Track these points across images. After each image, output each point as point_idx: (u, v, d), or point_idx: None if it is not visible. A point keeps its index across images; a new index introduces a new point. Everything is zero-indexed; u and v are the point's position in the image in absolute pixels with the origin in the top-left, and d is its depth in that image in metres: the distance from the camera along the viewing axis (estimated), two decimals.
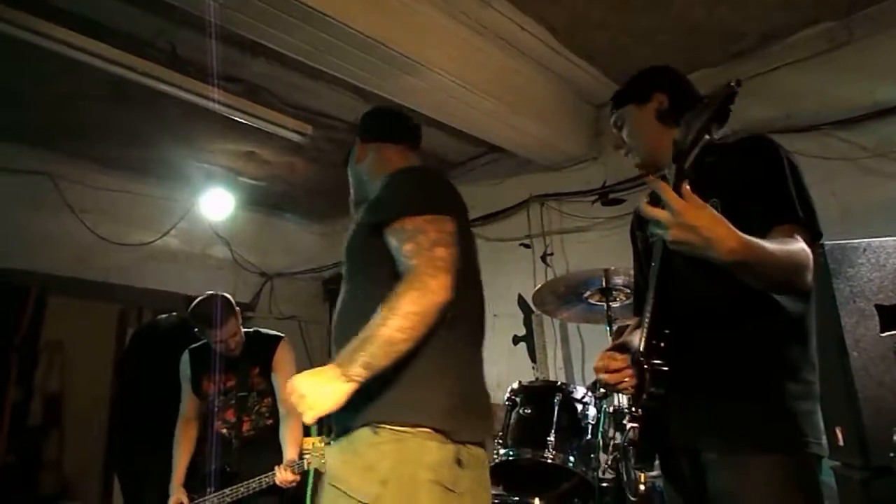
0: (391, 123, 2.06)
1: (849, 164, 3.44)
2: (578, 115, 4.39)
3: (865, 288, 2.49)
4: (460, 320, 1.63)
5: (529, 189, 4.82)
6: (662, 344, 1.54)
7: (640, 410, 1.65)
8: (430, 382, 1.52)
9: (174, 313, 4.27)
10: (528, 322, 4.64)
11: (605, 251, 4.21)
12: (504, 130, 4.09)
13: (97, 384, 5.37)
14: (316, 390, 1.41)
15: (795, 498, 1.43)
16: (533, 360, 4.56)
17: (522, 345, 4.67)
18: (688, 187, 1.28)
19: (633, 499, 2.70)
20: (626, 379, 1.67)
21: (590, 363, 4.27)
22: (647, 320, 1.56)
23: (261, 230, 5.87)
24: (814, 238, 1.48)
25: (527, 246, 4.77)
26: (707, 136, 1.34)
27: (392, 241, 1.59)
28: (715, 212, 1.27)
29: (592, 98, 4.35)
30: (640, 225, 1.93)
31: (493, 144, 4.61)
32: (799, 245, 1.40)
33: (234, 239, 5.57)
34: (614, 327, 2.60)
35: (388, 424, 1.45)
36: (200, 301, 3.07)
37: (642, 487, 2.51)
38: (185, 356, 3.25)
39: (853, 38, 3.57)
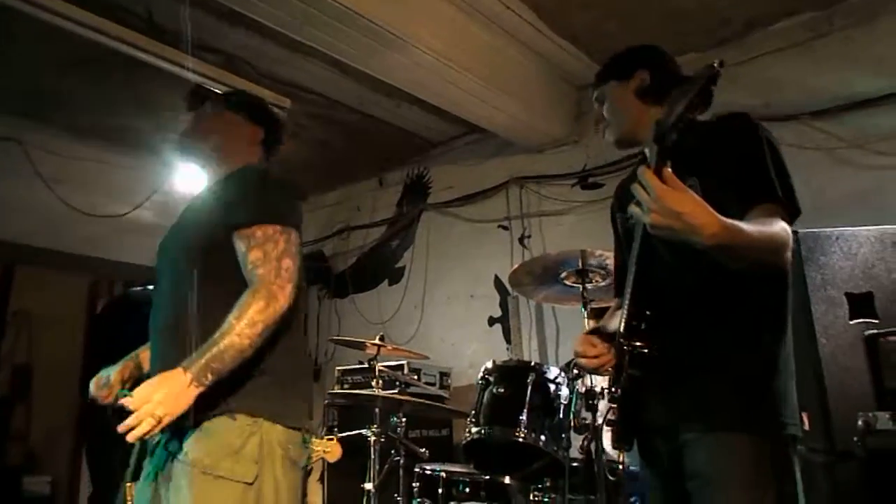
0: (257, 104, 2.06)
1: (824, 153, 3.49)
2: (560, 98, 4.38)
3: (836, 276, 2.54)
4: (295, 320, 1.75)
5: (509, 171, 4.81)
6: (642, 325, 1.55)
7: (618, 391, 1.67)
8: (274, 377, 1.64)
9: (148, 286, 4.20)
10: (504, 303, 4.65)
11: (584, 235, 4.21)
12: (486, 110, 4.06)
13: (66, 356, 5.29)
14: (171, 398, 1.48)
15: (772, 477, 1.45)
16: (508, 341, 4.58)
17: (498, 326, 4.69)
18: (669, 170, 1.28)
19: (611, 478, 2.76)
20: (605, 361, 1.68)
21: (564, 345, 4.31)
22: (626, 301, 1.56)
23: None
24: (793, 216, 1.49)
25: (505, 228, 4.77)
26: (689, 117, 1.34)
27: (240, 246, 1.66)
28: (696, 196, 1.27)
29: (575, 80, 4.34)
30: (620, 206, 1.93)
31: (472, 125, 4.58)
32: (779, 225, 1.41)
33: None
34: (588, 308, 2.61)
35: (243, 413, 1.56)
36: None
37: (621, 467, 2.57)
38: None
39: (833, 28, 3.60)
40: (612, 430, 1.77)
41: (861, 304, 2.54)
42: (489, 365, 2.73)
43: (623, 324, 1.58)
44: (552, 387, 2.57)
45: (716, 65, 1.26)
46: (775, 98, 3.68)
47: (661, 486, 1.70)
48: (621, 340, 1.58)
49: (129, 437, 1.47)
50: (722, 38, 3.81)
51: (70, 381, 5.26)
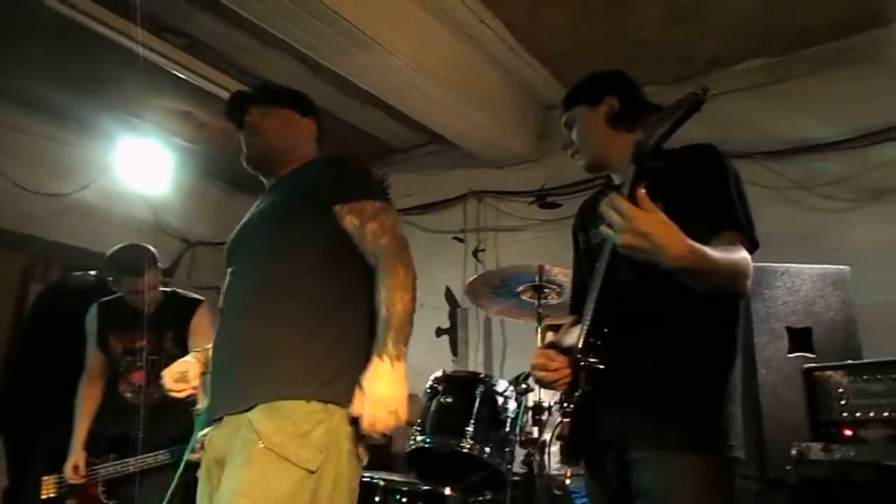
0: (300, 96, 2.03)
1: (775, 192, 3.62)
2: (525, 115, 4.43)
3: (779, 310, 2.63)
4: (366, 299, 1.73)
5: (468, 184, 4.84)
6: (599, 342, 1.57)
7: (571, 407, 1.68)
8: (350, 367, 1.59)
9: (90, 272, 4.03)
10: (453, 315, 4.65)
11: (538, 252, 4.25)
12: (452, 120, 4.08)
13: None
14: (392, 393, 1.52)
15: (715, 498, 1.48)
16: (454, 353, 4.58)
17: (445, 337, 4.68)
18: (643, 191, 1.30)
19: (557, 493, 2.77)
20: (563, 375, 1.69)
21: (511, 360, 4.34)
22: (588, 318, 1.57)
23: (187, 195, 5.61)
24: (752, 247, 1.53)
25: (460, 240, 4.79)
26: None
27: (351, 219, 1.66)
28: (666, 218, 1.30)
29: (540, 100, 4.40)
30: (582, 225, 1.95)
31: (435, 135, 4.59)
32: (741, 253, 1.46)
33: (158, 201, 5.32)
34: (543, 324, 2.63)
35: (317, 399, 1.52)
36: (122, 247, 2.95)
37: (567, 482, 2.59)
38: (93, 310, 3.07)
39: (790, 75, 3.76)
40: (562, 445, 1.79)
41: (800, 338, 2.63)
42: (439, 374, 2.72)
43: (582, 340, 1.60)
44: (500, 399, 2.57)
45: (700, 92, 1.29)
46: (730, 135, 3.79)
47: (606, 501, 1.71)
48: (578, 356, 1.60)
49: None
50: (684, 75, 3.93)
51: None
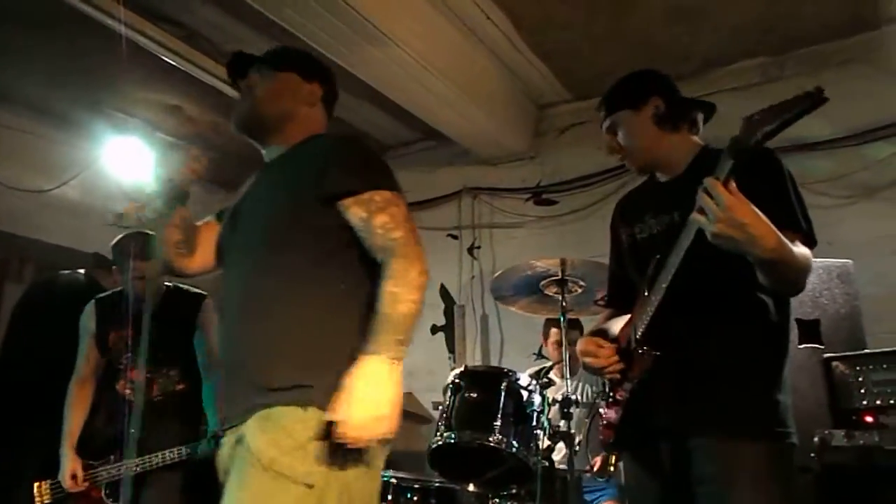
0: (306, 58, 1.80)
1: None
2: (523, 113, 4.45)
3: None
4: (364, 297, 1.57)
5: (462, 181, 4.84)
6: (661, 333, 1.58)
7: (623, 395, 1.69)
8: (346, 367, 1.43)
9: (78, 271, 3.87)
10: (448, 312, 4.64)
11: (534, 249, 4.29)
12: (452, 117, 4.07)
13: None
14: (382, 397, 1.34)
15: (780, 483, 1.51)
16: (451, 350, 4.57)
17: (441, 335, 4.67)
18: (734, 185, 1.32)
19: (600, 480, 2.78)
20: (613, 362, 1.70)
21: (509, 357, 4.35)
22: (651, 307, 1.58)
23: None
24: (812, 246, 1.57)
25: (455, 237, 4.78)
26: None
27: (357, 212, 1.48)
28: (758, 210, 1.32)
29: (538, 98, 4.43)
30: (624, 220, 1.94)
31: (429, 131, 4.58)
32: (807, 250, 1.49)
33: (142, 198, 5.15)
34: (567, 318, 2.63)
35: (315, 405, 1.36)
36: (128, 233, 2.85)
37: (612, 469, 2.60)
38: (90, 307, 2.94)
39: (783, 74, 3.87)
40: (608, 433, 1.80)
41: (809, 329, 2.71)
42: (460, 369, 2.70)
43: (642, 328, 1.61)
44: (525, 394, 2.56)
45: (817, 93, 1.27)
46: (725, 134, 3.88)
47: (657, 489, 1.72)
48: (636, 346, 1.61)
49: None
50: (682, 73, 3.99)
51: None
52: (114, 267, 2.90)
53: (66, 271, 3.88)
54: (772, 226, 1.32)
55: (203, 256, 1.79)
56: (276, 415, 1.35)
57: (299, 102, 1.68)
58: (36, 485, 2.81)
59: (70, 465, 2.71)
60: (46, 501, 2.79)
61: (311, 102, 1.70)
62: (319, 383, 1.37)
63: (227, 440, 1.46)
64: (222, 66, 3.83)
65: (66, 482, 2.68)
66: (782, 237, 1.35)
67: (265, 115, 1.65)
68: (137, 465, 2.68)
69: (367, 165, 1.56)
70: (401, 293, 1.41)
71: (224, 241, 1.70)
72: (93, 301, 2.97)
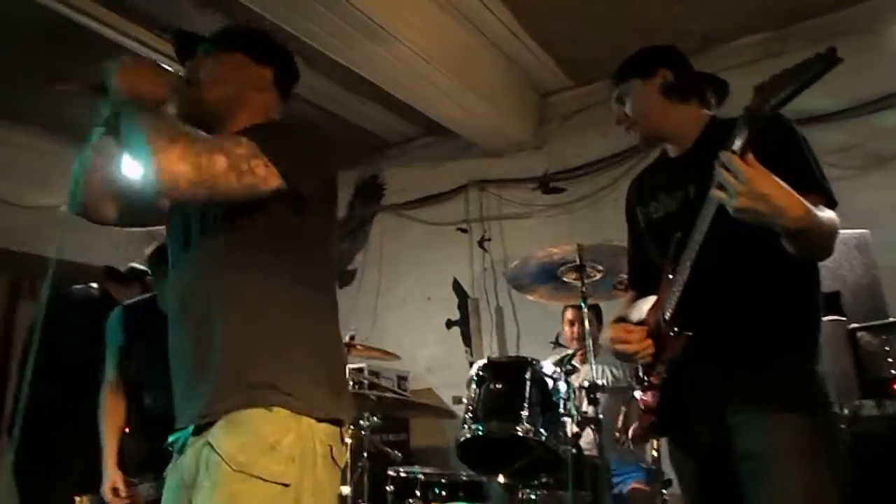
0: (257, 38, 1.63)
1: None
2: (525, 103, 4.44)
3: None
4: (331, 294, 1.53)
5: (467, 174, 4.82)
6: (690, 311, 1.56)
7: (658, 378, 1.68)
8: (316, 366, 1.42)
9: (92, 284, 3.86)
10: (462, 306, 4.64)
11: (544, 238, 4.26)
12: (454, 110, 4.06)
13: None
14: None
15: (826, 453, 1.49)
16: (467, 344, 4.56)
17: (456, 329, 4.66)
18: (752, 156, 1.30)
19: (644, 466, 2.77)
20: (646, 346, 1.68)
21: (526, 347, 4.34)
22: (677, 288, 1.57)
23: None
24: (833, 208, 1.55)
25: (464, 230, 4.77)
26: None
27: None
28: (780, 180, 1.30)
29: (540, 86, 4.42)
30: (640, 200, 1.93)
31: (430, 127, 4.57)
32: (831, 213, 1.47)
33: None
34: (587, 303, 2.62)
35: (280, 405, 1.33)
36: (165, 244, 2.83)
37: (654, 454, 2.59)
38: (117, 313, 2.89)
39: (786, 49, 3.84)
40: (647, 418, 1.79)
41: (830, 302, 2.69)
42: (483, 362, 2.70)
43: (671, 309, 1.59)
44: (550, 382, 2.56)
45: (828, 53, 1.27)
46: (730, 111, 3.85)
47: (698, 468, 1.71)
48: (666, 328, 1.59)
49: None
50: (683, 52, 3.98)
51: None
52: (148, 277, 2.84)
53: (80, 286, 3.88)
54: (795, 194, 1.30)
55: (121, 208, 1.68)
56: (242, 418, 1.31)
57: (246, 87, 1.53)
58: (77, 499, 2.79)
59: (111, 478, 2.67)
60: None
61: (260, 87, 1.55)
62: (284, 382, 1.34)
63: (190, 449, 1.38)
64: None
65: (108, 496, 2.65)
66: (808, 204, 1.32)
67: (206, 100, 1.50)
68: None
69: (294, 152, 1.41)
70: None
71: (174, 227, 1.56)
72: (120, 308, 2.93)
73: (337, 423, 1.40)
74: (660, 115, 1.76)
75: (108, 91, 1.41)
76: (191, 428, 1.38)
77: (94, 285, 3.89)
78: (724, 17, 3.75)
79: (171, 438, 1.43)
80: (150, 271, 2.88)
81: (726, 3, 3.64)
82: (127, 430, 2.87)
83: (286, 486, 1.28)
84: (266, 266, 1.41)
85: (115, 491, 2.65)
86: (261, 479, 1.27)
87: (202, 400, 1.35)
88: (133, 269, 3.65)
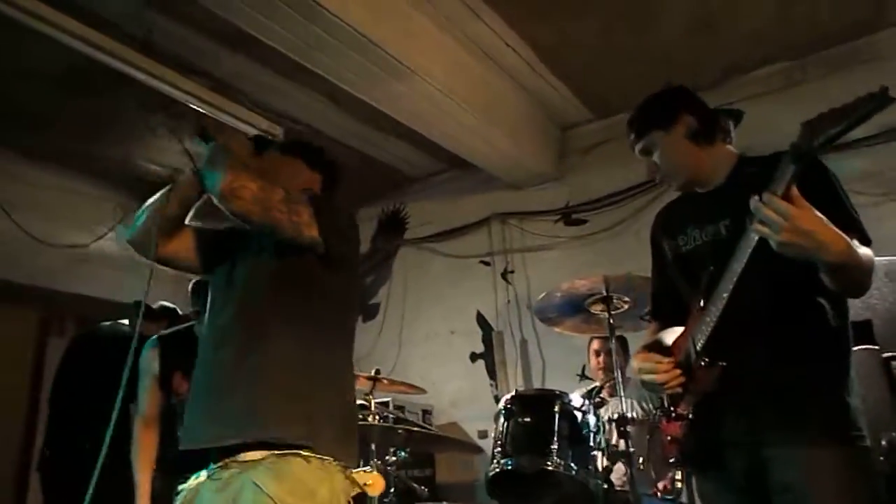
0: (312, 149, 2.03)
1: None
2: (546, 136, 4.48)
3: None
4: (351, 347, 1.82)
5: (489, 207, 4.86)
6: (722, 343, 1.56)
7: (688, 409, 1.67)
8: (340, 417, 1.65)
9: (121, 321, 3.91)
10: (487, 339, 4.63)
11: (567, 269, 4.26)
12: (477, 144, 4.11)
13: (10, 398, 4.87)
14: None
15: (863, 486, 1.49)
16: (492, 377, 4.54)
17: (480, 362, 4.65)
18: (796, 191, 1.31)
19: (667, 498, 2.72)
20: (675, 376, 1.67)
21: (551, 381, 4.31)
22: (710, 319, 1.56)
23: None
24: (868, 245, 1.54)
25: (487, 263, 4.78)
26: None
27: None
28: (822, 216, 1.31)
29: (561, 120, 4.47)
30: (667, 232, 1.93)
31: (452, 161, 4.63)
32: (868, 250, 1.48)
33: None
34: (615, 335, 2.62)
35: (315, 455, 1.53)
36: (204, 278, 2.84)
37: (680, 486, 2.55)
38: (152, 343, 2.90)
39: (807, 77, 3.86)
40: (674, 448, 1.77)
41: (862, 331, 2.65)
42: (511, 395, 2.69)
43: (703, 341, 1.59)
44: (579, 415, 2.54)
45: (881, 93, 1.25)
46: (754, 141, 3.82)
47: (728, 500, 1.69)
48: (698, 357, 1.59)
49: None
50: (703, 84, 4.00)
51: (13, 423, 4.83)
52: (191, 311, 2.86)
53: (108, 322, 3.93)
54: (837, 230, 1.32)
55: (177, 247, 1.82)
56: (282, 464, 1.48)
57: (298, 185, 1.82)
58: None
59: None
60: None
61: (308, 187, 1.88)
62: (319, 437, 1.54)
63: (212, 482, 1.54)
64: (251, 113, 3.94)
65: None
66: (849, 240, 1.34)
67: None
68: None
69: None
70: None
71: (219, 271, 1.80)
72: (155, 338, 2.93)
73: (350, 470, 1.62)
74: (692, 162, 1.75)
75: (207, 139, 1.69)
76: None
77: (124, 322, 3.95)
78: (745, 47, 3.78)
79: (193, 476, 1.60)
80: (192, 301, 2.86)
81: (747, 34, 3.67)
82: (160, 465, 2.85)
83: None
84: (304, 314, 1.66)
85: None
86: None
87: (232, 423, 1.53)
88: (164, 306, 3.69)
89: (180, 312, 3.33)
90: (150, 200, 1.78)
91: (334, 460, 1.55)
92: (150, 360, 2.86)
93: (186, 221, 1.77)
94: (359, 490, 1.67)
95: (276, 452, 1.48)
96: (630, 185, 4.25)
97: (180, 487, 1.66)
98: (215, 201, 1.57)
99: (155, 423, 2.85)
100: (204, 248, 1.84)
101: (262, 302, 1.65)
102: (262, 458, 1.48)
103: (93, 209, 4.81)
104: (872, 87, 3.66)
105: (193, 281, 2.84)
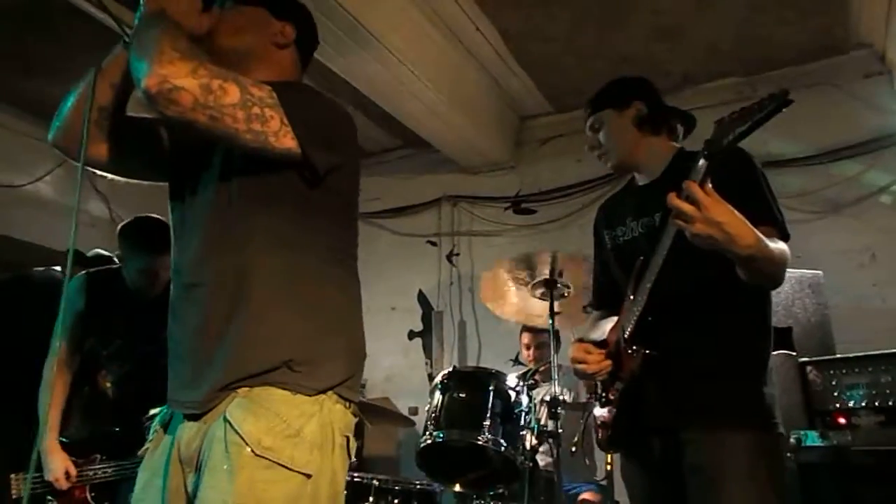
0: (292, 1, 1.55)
1: None
2: (504, 124, 4.54)
3: None
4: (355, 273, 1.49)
5: (441, 188, 4.89)
6: (648, 332, 1.64)
7: (615, 395, 1.75)
8: (345, 340, 1.40)
9: (54, 267, 3.76)
10: (426, 318, 4.67)
11: (512, 256, 4.35)
12: (436, 125, 4.13)
13: None
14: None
15: (773, 470, 1.58)
16: (427, 356, 4.59)
17: (418, 340, 4.69)
18: (710, 186, 1.37)
19: (596, 479, 2.83)
20: (604, 366, 1.75)
21: (486, 362, 4.39)
22: (637, 308, 1.64)
23: (144, 191, 5.37)
24: (786, 240, 1.62)
25: (434, 244, 4.82)
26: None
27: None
28: (734, 209, 1.37)
29: (520, 109, 4.53)
30: (607, 224, 2.00)
31: (410, 139, 4.63)
32: (783, 245, 1.55)
33: (114, 196, 5.07)
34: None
35: (304, 387, 1.27)
36: (141, 218, 2.59)
37: (608, 468, 2.65)
38: (81, 281, 2.65)
39: (756, 94, 4.00)
40: (603, 432, 1.86)
41: (782, 337, 2.82)
42: (448, 370, 2.74)
43: (630, 329, 1.66)
44: (512, 394, 2.61)
45: (782, 95, 1.32)
46: (699, 145, 4.03)
47: (648, 482, 1.78)
48: (626, 346, 1.67)
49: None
50: (661, 89, 4.11)
51: None
52: (116, 253, 2.69)
53: (41, 268, 3.78)
54: (748, 223, 1.37)
55: (118, 146, 1.47)
56: (265, 398, 1.24)
57: (266, 40, 1.45)
58: (13, 476, 2.66)
59: (62, 461, 2.49)
60: (25, 494, 2.63)
61: (280, 43, 1.46)
62: (307, 362, 1.28)
63: (194, 423, 1.30)
64: None
65: (59, 479, 2.48)
66: (759, 234, 1.39)
67: (222, 48, 1.40)
68: (129, 468, 2.54)
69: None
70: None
71: (181, 178, 1.46)
72: (84, 274, 2.72)
73: (349, 402, 1.34)
74: (632, 145, 1.84)
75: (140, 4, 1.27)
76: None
77: (57, 268, 3.80)
78: (702, 58, 3.92)
79: (153, 412, 1.37)
80: (120, 246, 2.67)
81: (704, 47, 3.81)
82: (72, 409, 2.73)
83: (308, 476, 1.23)
84: (285, 236, 1.33)
85: (66, 475, 2.53)
86: (285, 467, 1.21)
87: (208, 385, 1.27)
88: (99, 254, 3.58)
89: (117, 262, 3.22)
90: (76, 87, 1.42)
91: (331, 393, 1.29)
92: (76, 297, 2.66)
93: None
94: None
95: (256, 381, 1.24)
96: (581, 180, 4.36)
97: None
98: (144, 103, 1.17)
99: (67, 365, 2.67)
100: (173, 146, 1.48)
101: (239, 232, 1.32)
102: (240, 391, 1.24)
103: (31, 150, 4.60)
104: (818, 109, 3.84)
105: (122, 224, 2.70)
